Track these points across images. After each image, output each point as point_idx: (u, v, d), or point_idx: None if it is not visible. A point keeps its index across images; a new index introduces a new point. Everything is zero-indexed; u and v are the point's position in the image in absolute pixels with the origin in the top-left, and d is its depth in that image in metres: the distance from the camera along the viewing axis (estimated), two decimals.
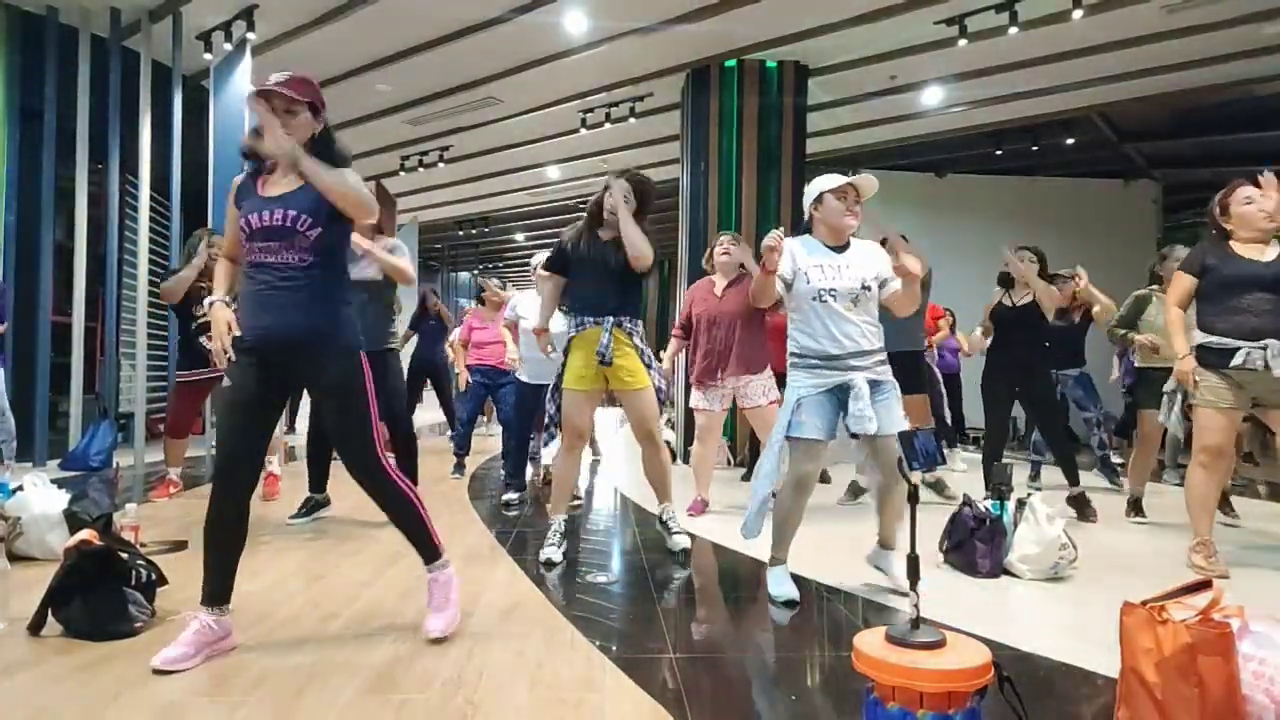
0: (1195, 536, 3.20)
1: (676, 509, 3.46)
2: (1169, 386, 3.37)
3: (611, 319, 3.22)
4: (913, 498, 1.72)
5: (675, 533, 3.40)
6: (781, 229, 2.67)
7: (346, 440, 2.24)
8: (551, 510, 3.40)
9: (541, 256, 4.90)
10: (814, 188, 2.79)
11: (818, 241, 2.79)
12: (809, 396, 2.65)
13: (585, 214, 3.39)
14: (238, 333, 2.16)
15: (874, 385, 2.65)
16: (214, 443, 2.05)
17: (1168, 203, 11.01)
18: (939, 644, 1.47)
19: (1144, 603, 1.59)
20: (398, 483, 2.28)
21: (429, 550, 2.35)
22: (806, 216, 2.84)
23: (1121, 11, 6.28)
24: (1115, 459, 6.75)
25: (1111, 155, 10.11)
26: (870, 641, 1.51)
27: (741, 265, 4.30)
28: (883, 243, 2.98)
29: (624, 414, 3.37)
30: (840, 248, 2.77)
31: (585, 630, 2.37)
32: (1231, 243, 3.20)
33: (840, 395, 2.66)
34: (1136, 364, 4.52)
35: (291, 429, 8.21)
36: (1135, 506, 4.32)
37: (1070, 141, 9.67)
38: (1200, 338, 3.16)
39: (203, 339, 4.53)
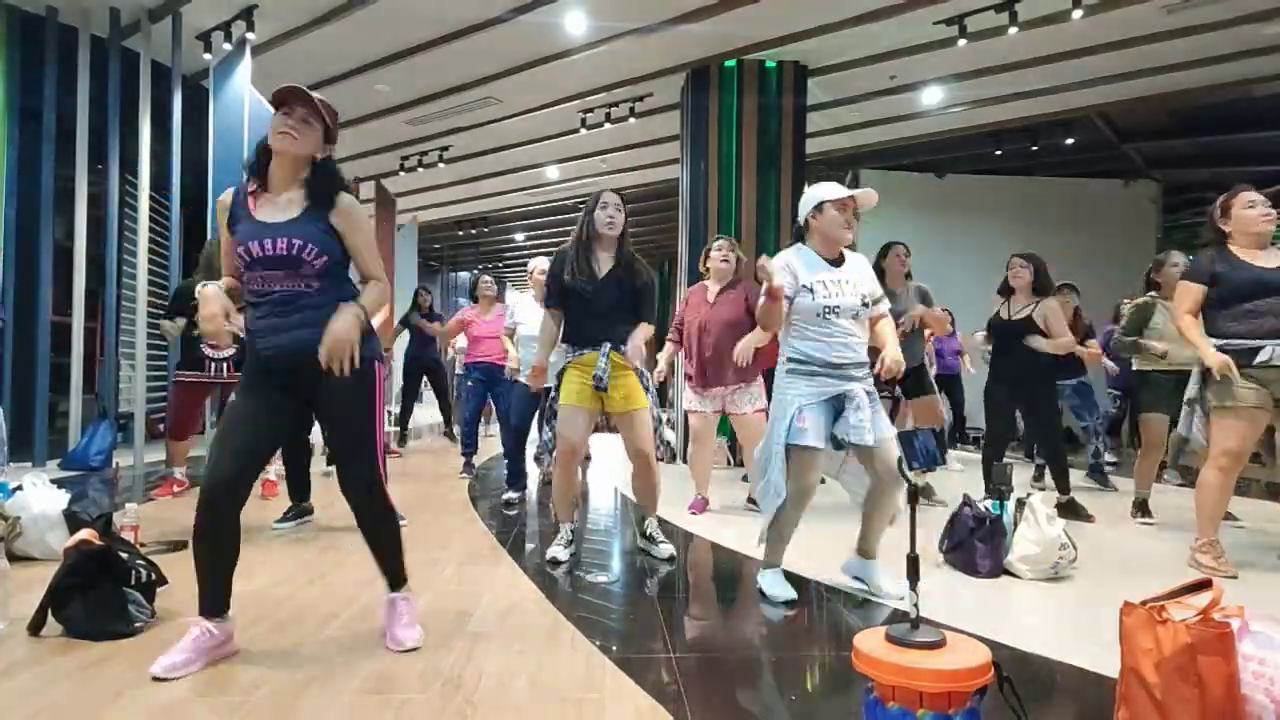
0: (1201, 537, 3.20)
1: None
2: (1190, 395, 3.32)
3: (609, 344, 3.19)
4: (913, 498, 1.72)
5: (660, 543, 3.39)
6: (764, 257, 2.59)
7: (354, 456, 2.16)
8: (559, 519, 3.41)
9: (541, 261, 4.93)
10: (814, 195, 2.75)
11: (812, 253, 2.75)
12: (809, 404, 2.64)
13: (574, 238, 3.27)
14: (238, 320, 2.10)
15: (868, 395, 2.67)
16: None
17: (1167, 203, 11.02)
18: (939, 644, 1.47)
19: (1144, 603, 1.59)
20: (390, 503, 2.24)
21: (401, 573, 2.30)
22: (802, 222, 2.80)
23: (1121, 11, 6.28)
24: (1109, 458, 6.77)
25: (1111, 155, 10.11)
26: (870, 641, 1.51)
27: (736, 271, 4.33)
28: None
29: (621, 434, 3.33)
30: (836, 261, 2.76)
31: (585, 630, 2.37)
32: (1233, 249, 3.20)
33: (835, 405, 2.66)
34: (1136, 367, 4.51)
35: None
36: (1142, 507, 4.30)
37: (1070, 141, 9.67)
38: (1216, 344, 3.15)
39: (204, 346, 4.58)
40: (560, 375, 3.29)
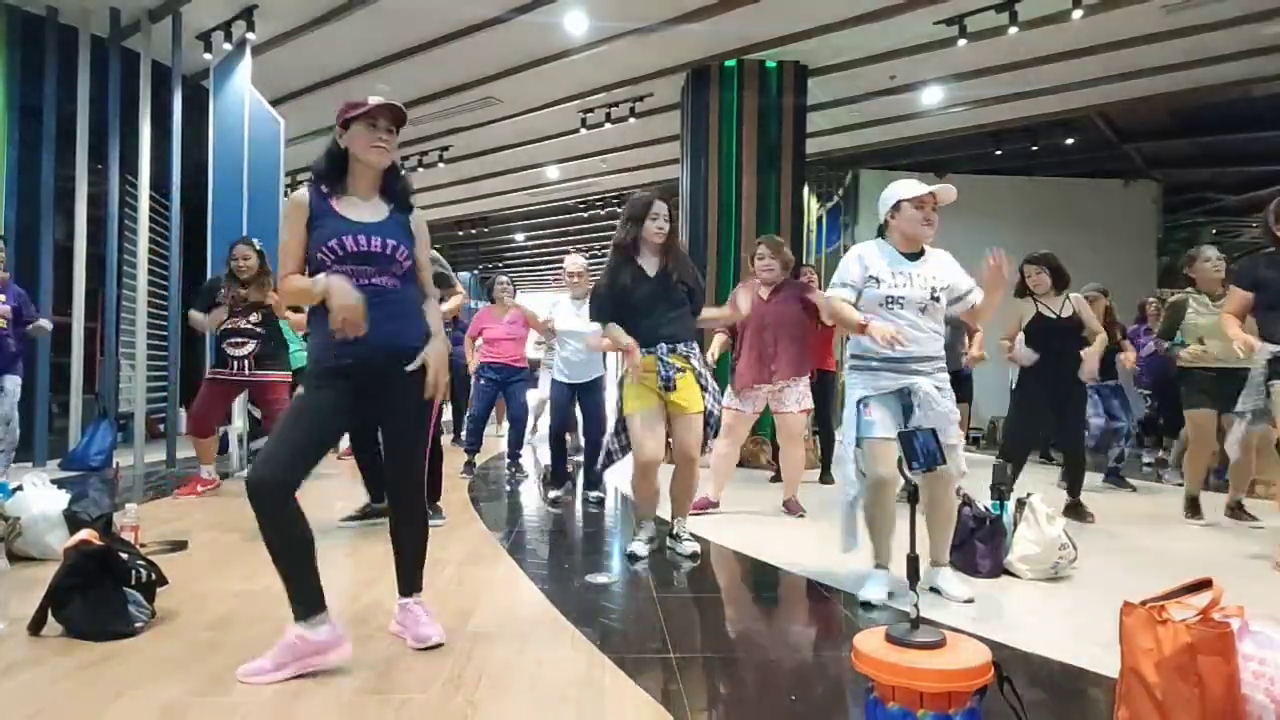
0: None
1: (665, 506, 3.47)
2: (1247, 406, 3.30)
3: (665, 346, 3.24)
4: (913, 498, 1.72)
5: (686, 540, 3.44)
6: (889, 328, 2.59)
7: (410, 455, 2.20)
8: (642, 517, 3.46)
9: (577, 259, 5.01)
10: (891, 194, 2.75)
11: (891, 247, 2.76)
12: (874, 397, 2.64)
13: (618, 244, 3.35)
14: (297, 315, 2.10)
15: (939, 390, 2.64)
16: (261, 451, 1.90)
17: (1168, 203, 11.02)
18: (939, 644, 1.47)
19: (1144, 603, 1.59)
20: (427, 510, 2.31)
21: (419, 580, 2.30)
22: (882, 221, 2.81)
23: (1121, 11, 6.28)
24: (1147, 458, 6.75)
25: (1111, 155, 10.11)
26: (870, 641, 1.51)
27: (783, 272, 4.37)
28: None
29: (671, 433, 3.36)
30: (914, 255, 2.75)
31: (585, 630, 2.37)
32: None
33: (903, 399, 2.65)
34: (1181, 365, 4.47)
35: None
36: (1193, 506, 4.24)
37: (1070, 141, 9.67)
38: (1270, 351, 3.14)
39: (226, 345, 4.64)
40: (620, 384, 3.33)
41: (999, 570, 3.08)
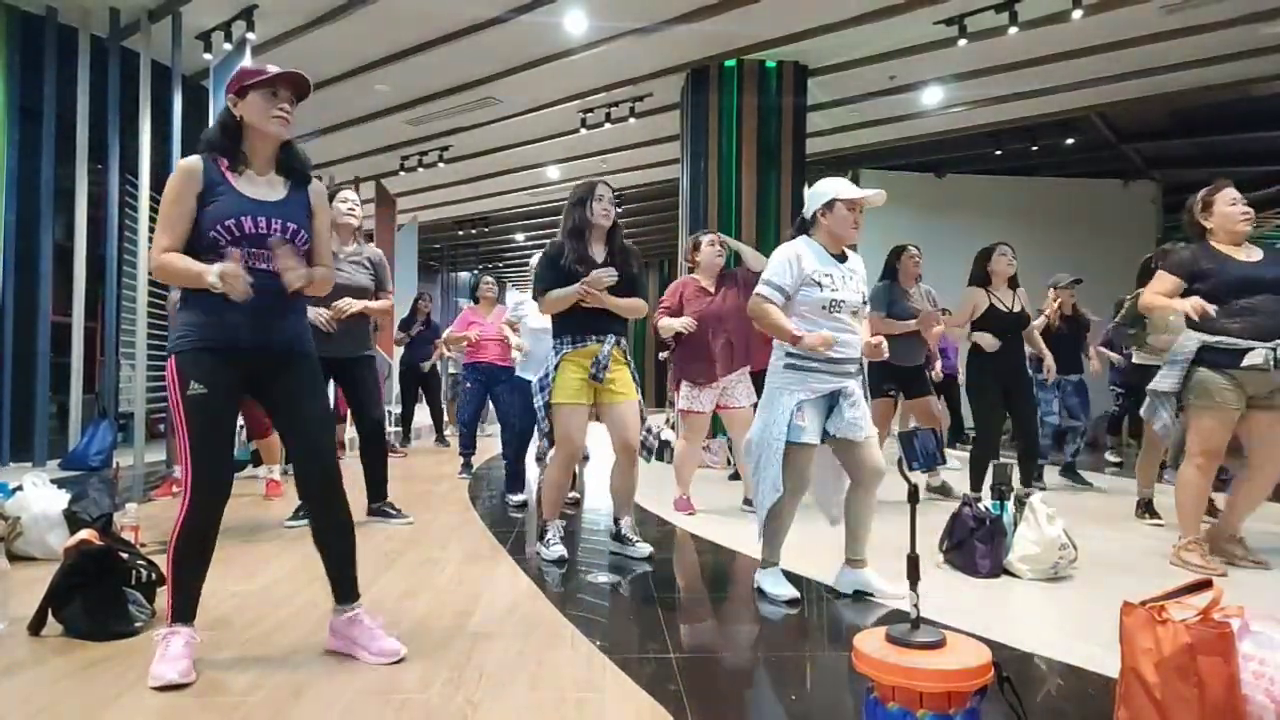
0: (1185, 535, 3.20)
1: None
2: (1163, 388, 3.22)
3: (614, 337, 3.22)
4: (913, 497, 1.72)
5: (638, 542, 3.37)
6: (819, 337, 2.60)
7: (320, 442, 2.11)
8: (547, 516, 3.37)
9: (536, 256, 4.93)
10: (826, 191, 2.72)
11: (820, 247, 2.74)
12: (808, 400, 2.63)
13: (566, 230, 3.26)
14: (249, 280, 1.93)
15: (859, 391, 2.69)
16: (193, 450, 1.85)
17: (1167, 203, 11.02)
18: (939, 644, 1.47)
19: (1144, 603, 1.59)
20: (348, 501, 2.18)
21: (356, 583, 2.16)
22: (809, 216, 2.78)
23: (1121, 11, 6.29)
24: (1111, 457, 6.74)
25: (1111, 155, 10.12)
26: (870, 641, 1.51)
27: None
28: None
29: (606, 425, 3.32)
30: (840, 257, 2.75)
31: (585, 630, 2.37)
32: (1215, 245, 3.20)
33: (830, 401, 2.67)
34: (1136, 361, 4.50)
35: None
36: (1147, 508, 4.25)
37: (1070, 142, 9.68)
38: (1200, 339, 3.13)
39: None
40: (554, 369, 3.24)
41: (999, 570, 3.08)
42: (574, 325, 3.23)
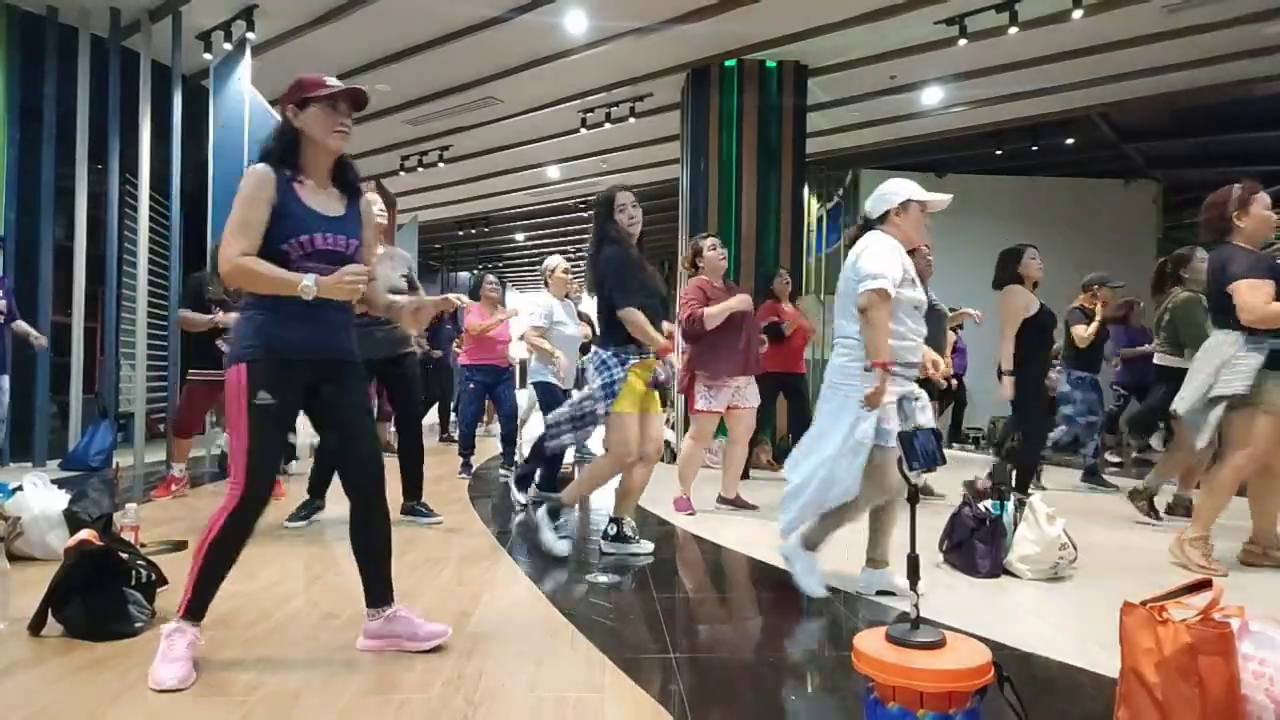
0: (1196, 531, 3.18)
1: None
2: (1230, 389, 3.07)
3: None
4: (913, 498, 1.72)
5: (639, 540, 3.43)
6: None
7: (373, 453, 2.18)
8: (569, 501, 3.40)
9: (560, 260, 4.98)
10: (899, 191, 2.67)
11: (899, 246, 2.66)
12: (890, 404, 2.52)
13: (613, 238, 3.26)
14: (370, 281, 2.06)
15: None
16: (251, 451, 1.87)
17: (1168, 203, 11.02)
18: (939, 644, 1.47)
19: (1144, 603, 1.59)
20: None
21: (391, 584, 2.24)
22: (876, 215, 2.71)
23: (1121, 11, 6.28)
24: (1111, 456, 6.73)
25: (1111, 155, 10.12)
26: (870, 641, 1.51)
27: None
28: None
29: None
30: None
31: (585, 630, 2.37)
32: (1243, 245, 3.15)
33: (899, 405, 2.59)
34: (1159, 362, 4.44)
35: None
36: (1149, 501, 4.24)
37: (1070, 141, 9.67)
38: (1271, 343, 3.03)
39: (220, 341, 4.54)
40: (624, 378, 3.21)
41: (999, 570, 3.08)
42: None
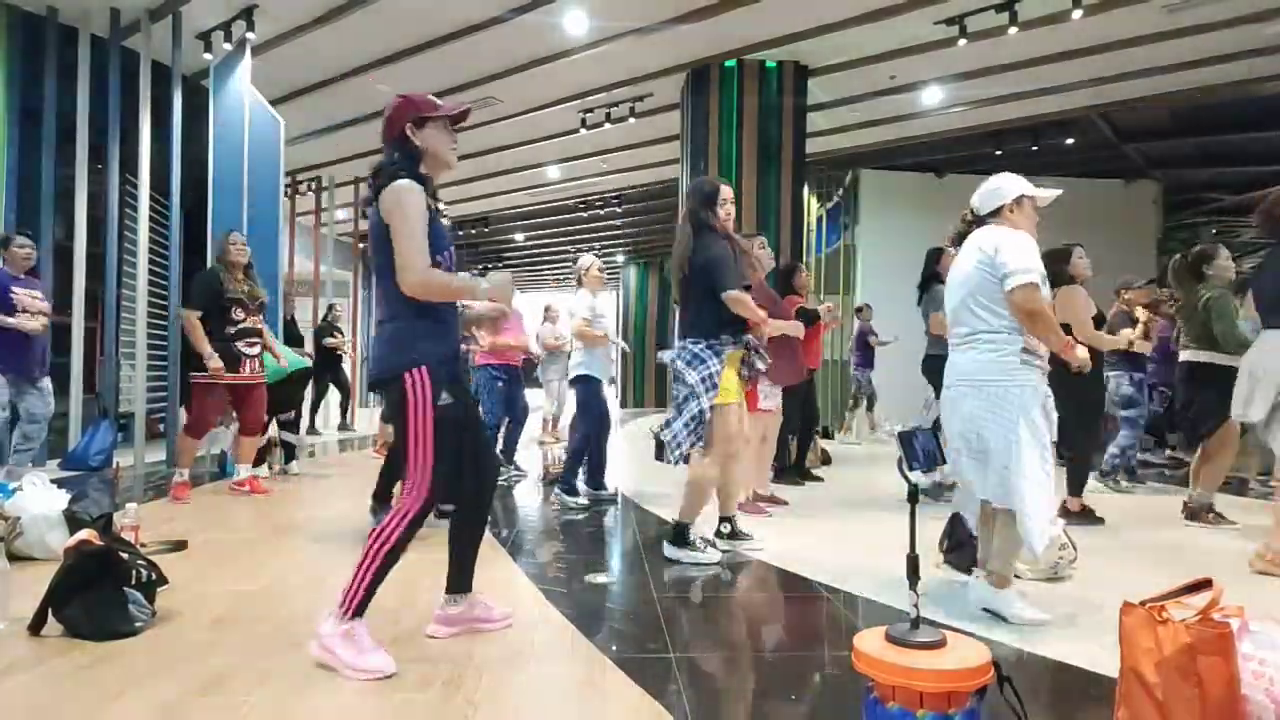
0: (1275, 546, 3.13)
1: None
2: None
3: (749, 335, 3.27)
4: (913, 497, 1.72)
5: (750, 536, 3.48)
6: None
7: (493, 454, 2.44)
8: (688, 518, 3.29)
9: (593, 259, 5.06)
10: (1012, 187, 2.64)
11: None
12: (1048, 400, 2.46)
13: (716, 230, 3.35)
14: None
15: None
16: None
17: (1168, 203, 11.02)
18: (939, 644, 1.47)
19: (1144, 603, 1.59)
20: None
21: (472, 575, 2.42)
22: (986, 210, 2.68)
23: (1121, 11, 6.28)
24: (1153, 458, 6.69)
25: (1111, 155, 10.11)
26: (870, 641, 1.51)
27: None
28: None
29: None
30: None
31: (585, 630, 2.37)
32: None
33: None
34: (1183, 359, 4.40)
35: (313, 429, 8.34)
36: (1210, 510, 4.18)
37: (1070, 142, 9.67)
38: None
39: (243, 345, 4.54)
40: (721, 369, 3.19)
41: None
42: (733, 324, 3.24)
